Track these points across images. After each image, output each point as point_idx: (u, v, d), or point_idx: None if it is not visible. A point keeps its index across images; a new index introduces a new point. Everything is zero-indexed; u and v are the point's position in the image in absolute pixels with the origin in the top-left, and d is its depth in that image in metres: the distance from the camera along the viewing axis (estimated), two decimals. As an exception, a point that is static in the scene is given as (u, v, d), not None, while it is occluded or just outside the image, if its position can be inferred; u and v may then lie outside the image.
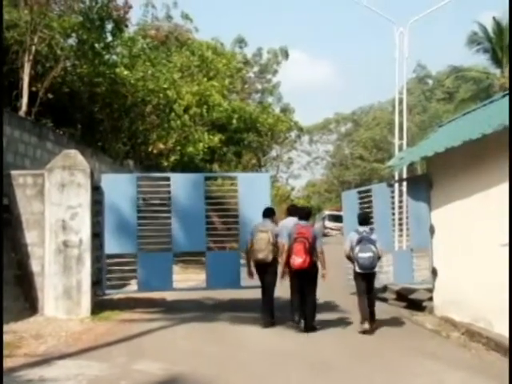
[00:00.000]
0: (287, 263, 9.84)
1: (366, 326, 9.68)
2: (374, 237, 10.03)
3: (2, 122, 11.56)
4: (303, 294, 9.87)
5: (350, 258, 10.09)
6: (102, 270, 11.10)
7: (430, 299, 11.15)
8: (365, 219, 10.50)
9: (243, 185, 11.87)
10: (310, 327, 9.69)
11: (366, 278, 10.01)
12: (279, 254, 10.00)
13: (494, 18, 35.36)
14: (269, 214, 10.52)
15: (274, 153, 52.70)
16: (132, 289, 11.91)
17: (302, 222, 10.06)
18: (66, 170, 10.47)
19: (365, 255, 9.79)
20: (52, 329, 9.10)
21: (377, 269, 10.42)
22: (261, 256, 9.94)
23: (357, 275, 10.05)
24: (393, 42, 19.37)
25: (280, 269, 10.02)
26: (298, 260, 9.63)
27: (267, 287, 10.15)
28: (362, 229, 10.13)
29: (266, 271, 10.08)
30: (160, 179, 12.89)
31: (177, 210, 11.46)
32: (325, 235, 32.12)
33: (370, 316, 9.86)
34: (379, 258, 10.06)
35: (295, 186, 66.74)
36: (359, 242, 9.91)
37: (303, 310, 9.82)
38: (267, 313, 10.07)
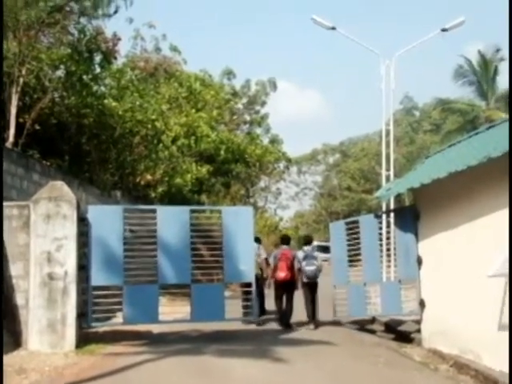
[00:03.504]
0: (272, 277, 13.59)
1: (312, 326, 13.02)
2: (315, 254, 13.49)
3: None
4: (283, 300, 13.37)
5: (300, 271, 13.16)
6: (87, 302, 10.98)
7: (418, 331, 11.10)
8: (308, 241, 14.09)
9: (227, 218, 12.07)
10: (287, 324, 13.05)
11: (310, 287, 13.26)
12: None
13: (479, 51, 35.99)
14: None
15: (262, 183, 52.62)
16: (118, 321, 11.78)
17: (284, 247, 13.85)
18: (51, 201, 10.39)
19: (310, 268, 13.06)
20: (35, 363, 8.94)
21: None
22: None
23: (304, 284, 13.27)
24: (379, 73, 19.55)
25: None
26: (281, 274, 13.22)
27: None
28: (306, 248, 13.52)
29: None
30: (146, 211, 12.88)
31: (163, 242, 11.45)
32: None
33: (312, 316, 13.12)
34: (320, 270, 13.24)
35: (283, 216, 66.69)
36: (305, 258, 13.16)
37: (282, 311, 13.35)
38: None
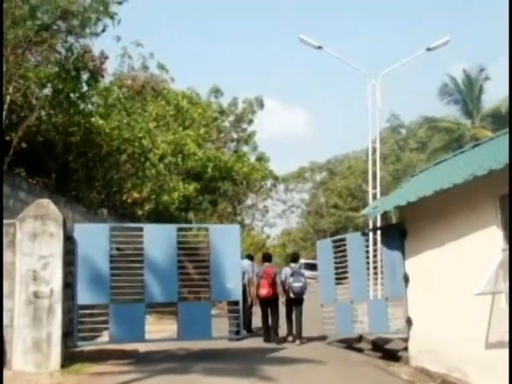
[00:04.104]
0: (256, 295, 14.10)
1: (290, 338, 13.64)
2: (302, 271, 14.31)
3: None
4: (268, 316, 13.90)
5: (284, 287, 13.71)
6: (73, 321, 10.88)
7: (406, 349, 11.10)
8: (295, 258, 14.74)
9: (214, 236, 12.02)
10: (276, 340, 13.49)
11: (296, 303, 13.62)
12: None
13: (464, 70, 36.45)
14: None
15: (249, 201, 52.60)
16: (104, 340, 11.68)
17: (266, 264, 14.39)
18: (38, 219, 10.34)
19: (297, 284, 13.43)
20: (20, 383, 8.84)
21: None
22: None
23: (290, 300, 13.63)
24: (365, 92, 19.64)
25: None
26: (263, 291, 13.77)
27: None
28: (293, 265, 14.11)
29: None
30: (133, 229, 12.82)
31: (149, 260, 11.40)
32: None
33: (298, 332, 13.46)
34: (306, 287, 13.63)
35: (270, 234, 66.74)
36: (292, 274, 13.60)
37: (268, 327, 13.84)
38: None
